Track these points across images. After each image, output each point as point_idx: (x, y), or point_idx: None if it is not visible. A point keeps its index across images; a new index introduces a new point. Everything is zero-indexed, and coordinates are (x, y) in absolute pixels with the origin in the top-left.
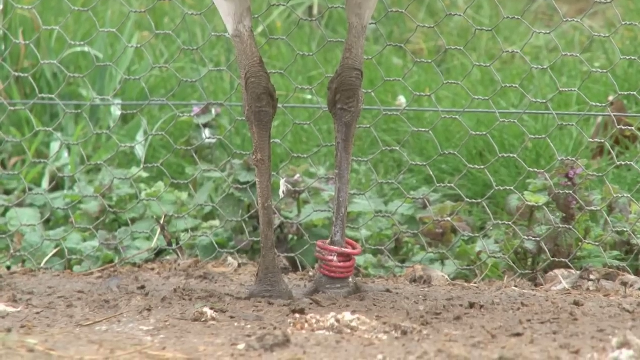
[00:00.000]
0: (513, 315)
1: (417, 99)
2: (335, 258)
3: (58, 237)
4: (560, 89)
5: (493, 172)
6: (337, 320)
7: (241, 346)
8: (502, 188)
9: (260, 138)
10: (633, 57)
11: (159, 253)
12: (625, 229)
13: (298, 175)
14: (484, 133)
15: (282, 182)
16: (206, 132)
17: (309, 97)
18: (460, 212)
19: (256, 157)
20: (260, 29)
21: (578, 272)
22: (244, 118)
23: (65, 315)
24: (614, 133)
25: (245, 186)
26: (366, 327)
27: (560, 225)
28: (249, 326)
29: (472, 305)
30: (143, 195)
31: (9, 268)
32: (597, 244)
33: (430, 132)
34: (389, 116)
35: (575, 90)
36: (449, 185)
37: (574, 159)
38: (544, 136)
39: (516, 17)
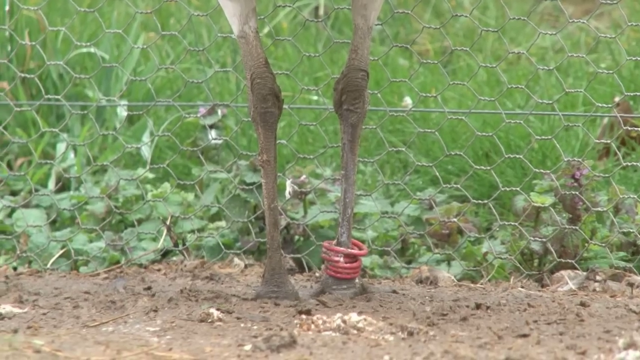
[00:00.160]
0: (519, 316)
1: (423, 100)
2: (341, 259)
3: (64, 238)
4: (566, 90)
5: (499, 173)
6: (344, 321)
7: (247, 347)
8: (508, 189)
9: (266, 139)
10: (639, 58)
11: (165, 254)
12: (631, 230)
13: (304, 176)
14: (490, 134)
15: (288, 183)
16: (212, 133)
17: (315, 98)
18: (466, 213)
19: (262, 158)
20: (266, 30)
21: (584, 273)
22: (249, 119)
23: (72, 316)
24: (620, 134)
25: (251, 187)
26: (372, 328)
27: (567, 226)
28: (255, 327)
29: (478, 306)
30: (149, 196)
31: (15, 269)
32: (603, 244)
33: (436, 132)
34: (395, 117)
35: (581, 91)
36: (455, 186)
37: (580, 159)
38: (550, 137)
39: (522, 18)
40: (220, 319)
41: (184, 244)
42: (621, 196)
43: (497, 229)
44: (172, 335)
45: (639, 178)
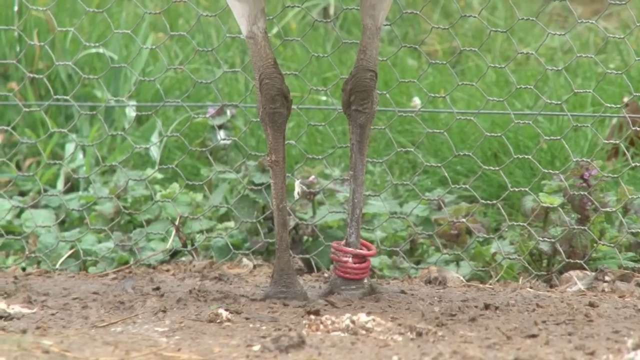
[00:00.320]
0: (528, 316)
1: (431, 100)
2: (350, 259)
3: (73, 238)
4: (575, 90)
5: (508, 174)
6: (352, 322)
7: (256, 347)
8: (517, 189)
9: (275, 139)
10: None
11: (174, 254)
12: None
13: (313, 177)
14: (499, 134)
15: (297, 183)
16: (221, 134)
17: (324, 98)
18: (475, 214)
19: (270, 158)
20: (275, 30)
21: (593, 274)
22: (258, 119)
23: (81, 316)
24: (628, 134)
25: (260, 187)
26: (381, 328)
27: (575, 227)
28: (264, 327)
29: (487, 307)
30: (158, 196)
31: (24, 269)
32: (612, 245)
33: (445, 133)
34: (403, 117)
35: (590, 92)
36: (463, 186)
37: (588, 160)
38: (558, 137)
39: (531, 18)
40: (229, 320)
41: (192, 245)
42: (630, 196)
43: (506, 230)
44: (180, 335)
45: None
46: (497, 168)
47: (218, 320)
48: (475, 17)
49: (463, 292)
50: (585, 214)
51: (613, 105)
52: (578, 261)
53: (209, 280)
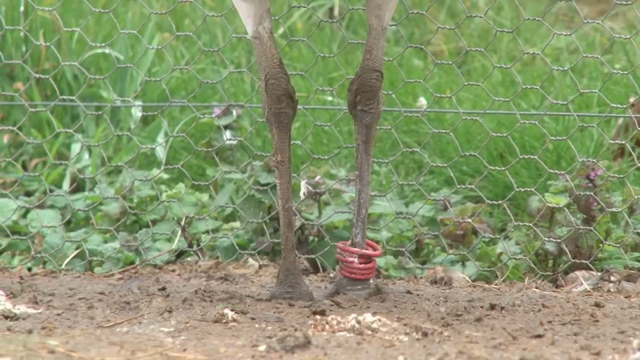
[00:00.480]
0: (534, 316)
1: (437, 101)
2: (355, 259)
3: (79, 238)
4: (581, 91)
5: (514, 174)
6: (358, 322)
7: (262, 347)
8: (522, 189)
9: (280, 139)
10: None
11: (180, 254)
12: None
13: (319, 177)
14: (505, 134)
15: (303, 183)
16: (227, 134)
17: (330, 98)
18: (480, 214)
19: (276, 158)
20: (280, 31)
21: (599, 274)
22: (264, 119)
23: (86, 316)
24: (634, 134)
25: (265, 187)
26: (387, 328)
27: (581, 227)
28: (269, 327)
29: (492, 307)
30: (164, 196)
31: (29, 269)
32: (617, 245)
33: (451, 133)
34: (409, 117)
35: (596, 92)
36: (469, 186)
37: (594, 160)
38: (564, 137)
39: (537, 18)
40: (234, 320)
41: (198, 245)
42: (636, 197)
43: (512, 230)
44: (186, 335)
45: None
46: (502, 168)
47: (224, 321)
48: (481, 17)
49: (469, 292)
50: (591, 214)
51: (619, 106)
52: (584, 261)
53: (214, 280)
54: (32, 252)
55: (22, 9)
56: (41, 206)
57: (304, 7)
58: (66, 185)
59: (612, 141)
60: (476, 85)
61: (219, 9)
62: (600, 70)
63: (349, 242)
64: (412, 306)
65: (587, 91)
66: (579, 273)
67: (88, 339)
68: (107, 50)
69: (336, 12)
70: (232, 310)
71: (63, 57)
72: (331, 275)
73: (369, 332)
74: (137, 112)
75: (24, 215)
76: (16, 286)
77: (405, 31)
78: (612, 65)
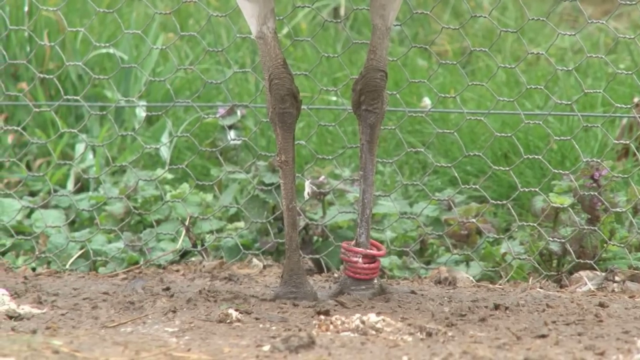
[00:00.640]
0: (538, 316)
1: (442, 101)
2: (360, 259)
3: (83, 238)
4: (585, 91)
5: (518, 174)
6: (362, 322)
7: (266, 347)
8: (527, 189)
9: (284, 139)
10: None
11: (184, 254)
12: None
13: (323, 177)
14: (509, 134)
15: (307, 183)
16: (231, 134)
17: (334, 98)
18: (485, 214)
19: (280, 158)
20: (285, 31)
21: (603, 274)
22: (268, 119)
23: (90, 316)
24: (639, 134)
25: (270, 187)
26: (391, 328)
27: (585, 227)
28: (273, 327)
29: (497, 307)
30: (168, 196)
31: (34, 269)
32: (622, 245)
33: (455, 133)
34: (413, 117)
35: (600, 92)
36: (473, 186)
37: (599, 160)
38: (569, 137)
39: (541, 18)
40: (238, 320)
41: (202, 245)
42: None
43: (516, 230)
44: (190, 335)
45: None
46: (507, 168)
47: (228, 321)
48: (485, 17)
49: (473, 292)
50: (595, 214)
51: (623, 106)
52: (588, 261)
53: (218, 280)
54: (37, 252)
55: (26, 9)
56: (45, 206)
57: (309, 7)
58: (70, 185)
59: (616, 141)
60: (480, 85)
61: (223, 9)
62: (605, 70)
63: (353, 242)
64: (416, 306)
65: (591, 91)
66: (583, 273)
67: (92, 339)
68: (111, 50)
69: (341, 12)
70: (236, 310)
71: (67, 57)
72: (335, 275)
73: (373, 332)
74: (141, 112)
75: (28, 215)
76: (20, 286)
77: (409, 31)
78: (617, 65)
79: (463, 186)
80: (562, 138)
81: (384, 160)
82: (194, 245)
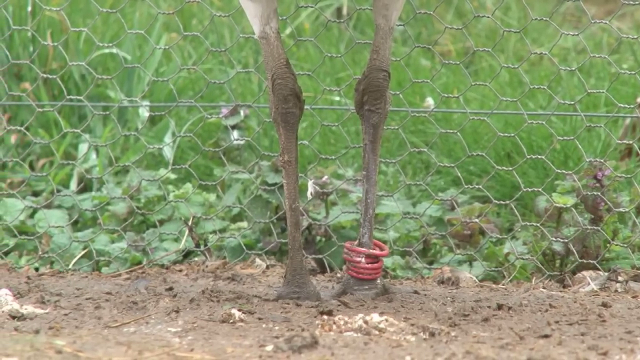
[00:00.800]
0: (541, 316)
1: (445, 101)
2: (363, 259)
3: (86, 238)
4: (589, 91)
5: (521, 174)
6: (365, 322)
7: (269, 347)
8: (530, 189)
9: (287, 139)
10: None
11: (187, 254)
12: None
13: (326, 177)
14: (512, 134)
15: (310, 183)
16: (234, 134)
17: (337, 98)
18: (488, 214)
19: (283, 158)
20: (288, 31)
21: (606, 274)
22: (271, 119)
23: (93, 316)
24: None
25: (273, 188)
26: (394, 328)
27: (589, 227)
28: (276, 327)
29: (500, 307)
30: (171, 196)
31: (37, 269)
32: (625, 245)
33: (458, 133)
34: (416, 117)
35: (603, 92)
36: (477, 186)
37: (602, 160)
38: (572, 137)
39: (544, 18)
40: (241, 320)
41: (205, 245)
42: None
43: (519, 230)
44: (193, 335)
45: None
46: (510, 168)
47: (231, 321)
48: (488, 17)
49: (476, 292)
50: (598, 214)
51: (626, 106)
52: (591, 261)
53: (221, 280)
54: (40, 252)
55: (29, 9)
56: (48, 206)
57: (312, 7)
58: (73, 185)
59: (619, 141)
60: (483, 85)
61: (226, 9)
62: (608, 70)
63: (356, 242)
64: (419, 306)
65: (594, 91)
66: (586, 273)
67: (95, 339)
68: (114, 50)
69: (344, 12)
70: (239, 310)
71: (70, 57)
72: (338, 275)
73: (376, 332)
74: (144, 112)
75: (32, 215)
76: (23, 286)
77: (412, 31)
78: (620, 65)
79: (466, 186)
80: (565, 138)
81: (387, 160)
82: (197, 245)
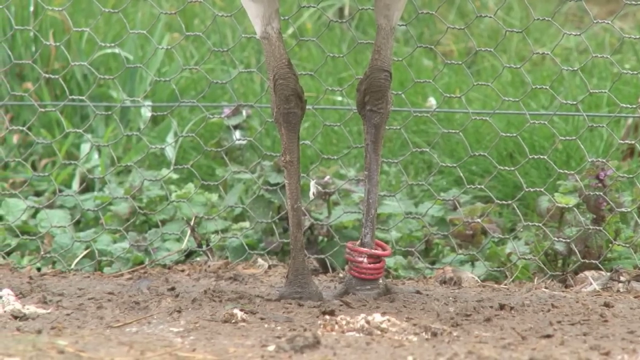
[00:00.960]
0: (543, 316)
1: (447, 101)
2: (365, 259)
3: (88, 238)
4: (591, 91)
5: (523, 174)
6: (367, 322)
7: (271, 347)
8: (532, 189)
9: (289, 139)
10: None
11: (189, 254)
12: None
13: (328, 177)
14: (514, 134)
15: (312, 183)
16: (236, 134)
17: (339, 98)
18: (490, 214)
19: (285, 158)
20: (290, 31)
21: (608, 274)
22: (273, 119)
23: (96, 316)
24: None
25: (275, 187)
26: (396, 328)
27: (591, 227)
28: (279, 327)
29: (502, 307)
30: (173, 196)
31: (39, 269)
32: (627, 245)
33: (461, 133)
34: (419, 117)
35: (605, 92)
36: (479, 186)
37: (604, 160)
38: (574, 137)
39: (546, 18)
40: (244, 320)
41: (207, 245)
42: None
43: (521, 230)
44: (195, 335)
45: None
46: (512, 168)
47: (233, 321)
48: (490, 17)
49: (478, 292)
50: (600, 214)
51: (628, 106)
52: (593, 261)
53: (224, 280)
54: (42, 252)
55: (31, 9)
56: (50, 206)
57: (314, 7)
58: (76, 185)
59: (621, 141)
60: (486, 85)
61: (228, 9)
62: (610, 70)
63: (358, 242)
64: (421, 306)
65: (596, 91)
66: (588, 273)
67: (97, 339)
68: (116, 50)
69: (346, 12)
70: (241, 310)
71: (73, 57)
72: (340, 275)
73: (378, 332)
74: (146, 112)
75: (34, 215)
76: (25, 286)
77: (414, 31)
78: (622, 65)
79: (468, 186)
80: (568, 138)
81: (389, 160)
82: (199, 245)
